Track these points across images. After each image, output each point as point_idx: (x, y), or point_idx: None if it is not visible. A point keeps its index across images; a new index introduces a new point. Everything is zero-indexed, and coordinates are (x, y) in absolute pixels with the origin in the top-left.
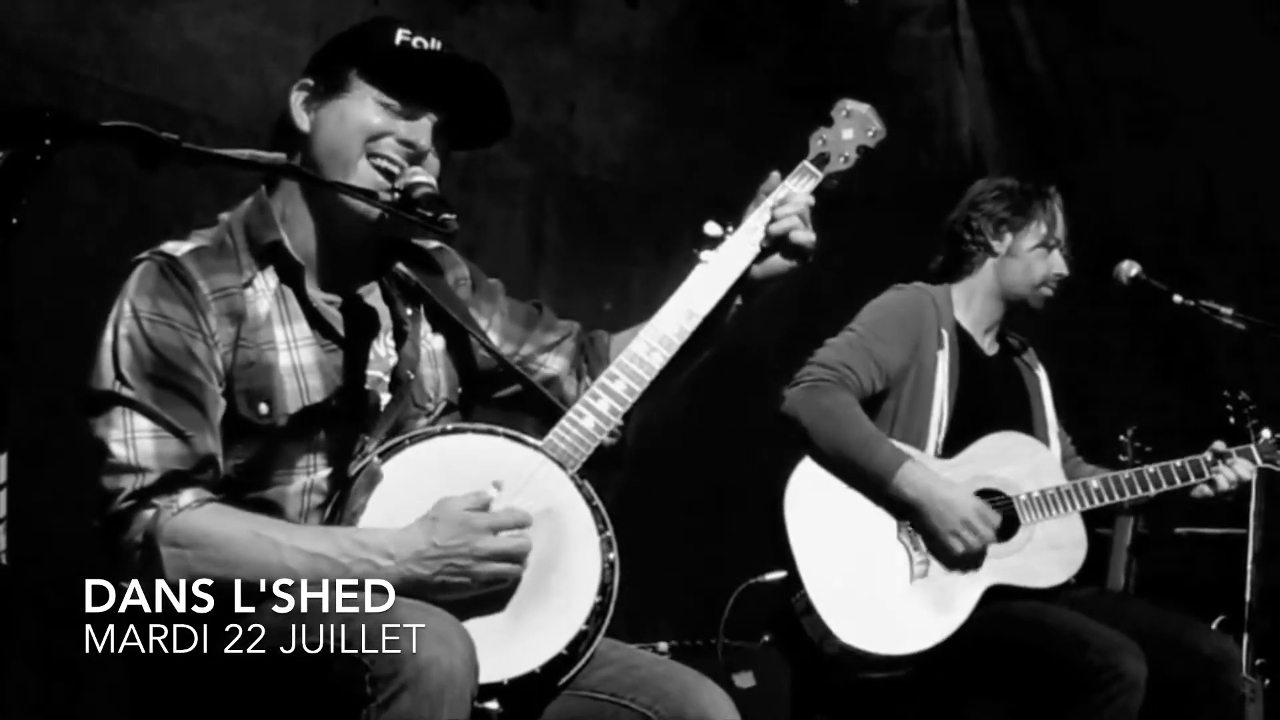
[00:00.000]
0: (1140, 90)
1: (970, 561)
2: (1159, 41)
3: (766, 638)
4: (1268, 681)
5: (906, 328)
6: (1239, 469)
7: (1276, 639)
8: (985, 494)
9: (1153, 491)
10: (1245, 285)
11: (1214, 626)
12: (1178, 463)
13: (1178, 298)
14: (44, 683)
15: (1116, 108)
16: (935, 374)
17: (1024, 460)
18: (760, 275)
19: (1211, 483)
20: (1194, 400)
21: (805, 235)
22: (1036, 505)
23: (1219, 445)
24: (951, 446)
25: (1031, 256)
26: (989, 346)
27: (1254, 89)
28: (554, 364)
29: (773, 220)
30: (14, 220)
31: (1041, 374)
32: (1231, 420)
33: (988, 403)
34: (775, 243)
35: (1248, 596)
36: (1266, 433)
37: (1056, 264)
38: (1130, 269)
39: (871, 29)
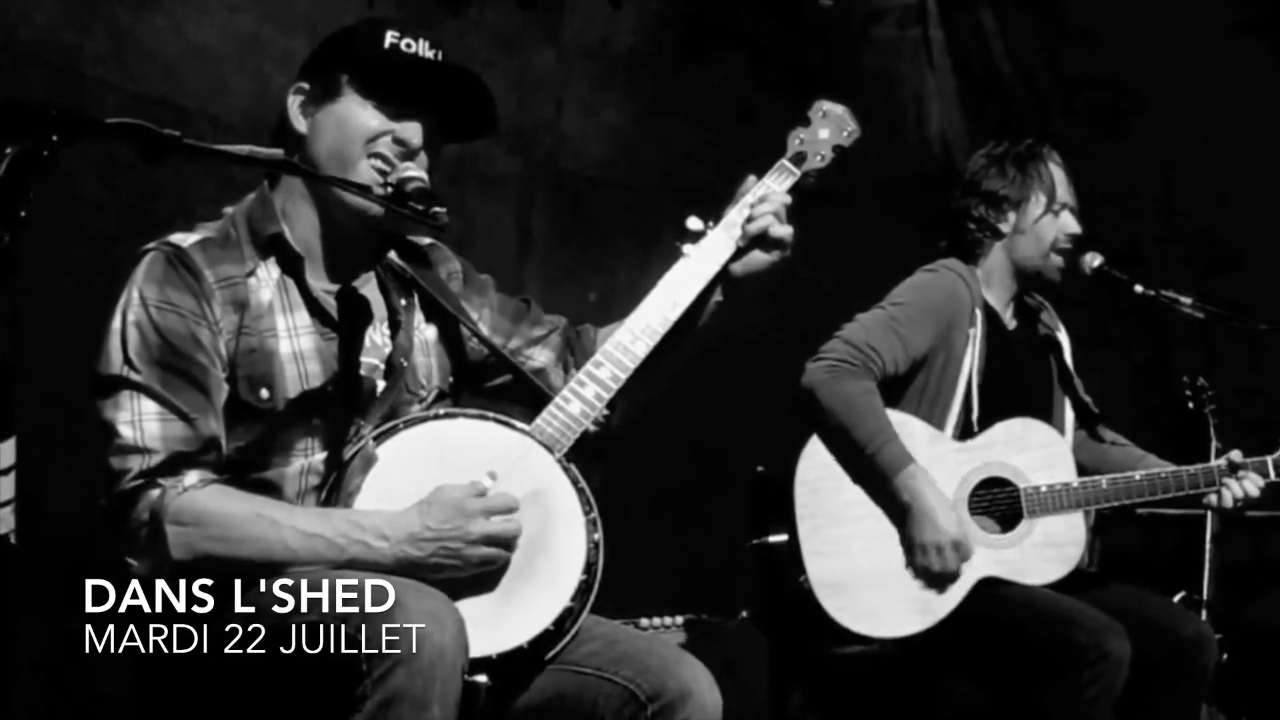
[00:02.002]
0: (1104, 88)
1: (930, 579)
2: (1121, 42)
3: (744, 613)
4: (1225, 655)
5: (938, 313)
6: (1248, 485)
7: (1233, 615)
8: (993, 482)
9: (1162, 497)
10: (1205, 275)
11: (1174, 602)
12: (1190, 469)
13: (1139, 287)
14: (52, 659)
15: (1081, 105)
16: (965, 354)
17: (1038, 449)
18: (741, 272)
19: (1219, 494)
20: (1156, 386)
21: (782, 230)
22: (1043, 500)
23: (1235, 455)
24: (972, 427)
25: (1039, 227)
26: (1009, 320)
27: (1214, 86)
28: (541, 357)
29: (750, 219)
30: (22, 213)
31: (1063, 336)
32: (1190, 405)
33: (1013, 382)
34: (754, 239)
35: (1206, 574)
36: None
37: (1067, 225)
38: (1093, 260)
39: (845, 29)
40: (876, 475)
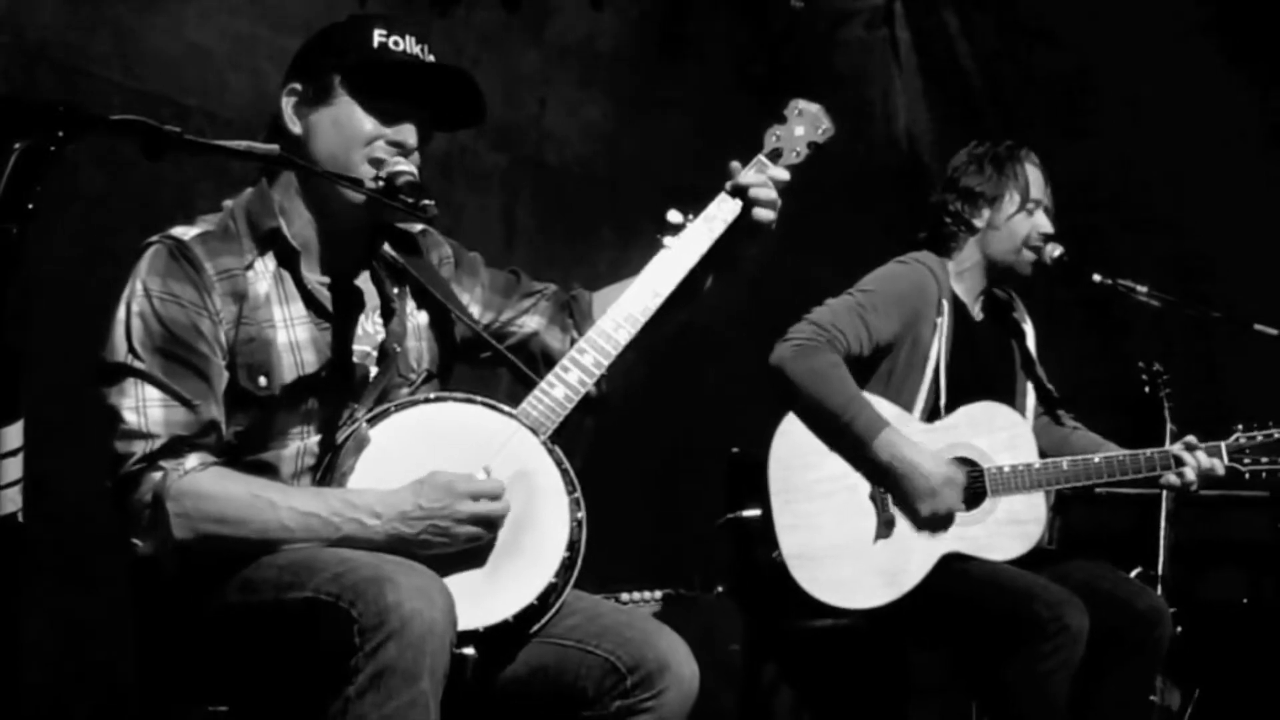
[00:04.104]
0: (1063, 86)
1: (936, 524)
2: (1080, 42)
3: (720, 589)
4: (1179, 628)
5: (904, 302)
6: (1202, 458)
7: (1187, 590)
8: (959, 462)
9: (1120, 478)
10: (1161, 264)
11: (1130, 577)
12: (1147, 452)
13: (1097, 276)
14: (58, 635)
15: (1041, 103)
16: (931, 342)
17: (1002, 432)
18: (725, 257)
19: (1182, 474)
20: (1113, 371)
21: (768, 213)
22: (1006, 480)
23: (1191, 440)
24: (938, 411)
25: (1012, 224)
26: (978, 313)
27: (1169, 84)
28: (531, 322)
29: (750, 186)
30: (30, 206)
31: (1028, 328)
32: (1146, 390)
33: (976, 370)
34: (746, 208)
35: (1161, 551)
36: (1239, 432)
37: (1040, 224)
38: (1053, 250)
39: (815, 30)
40: (854, 442)
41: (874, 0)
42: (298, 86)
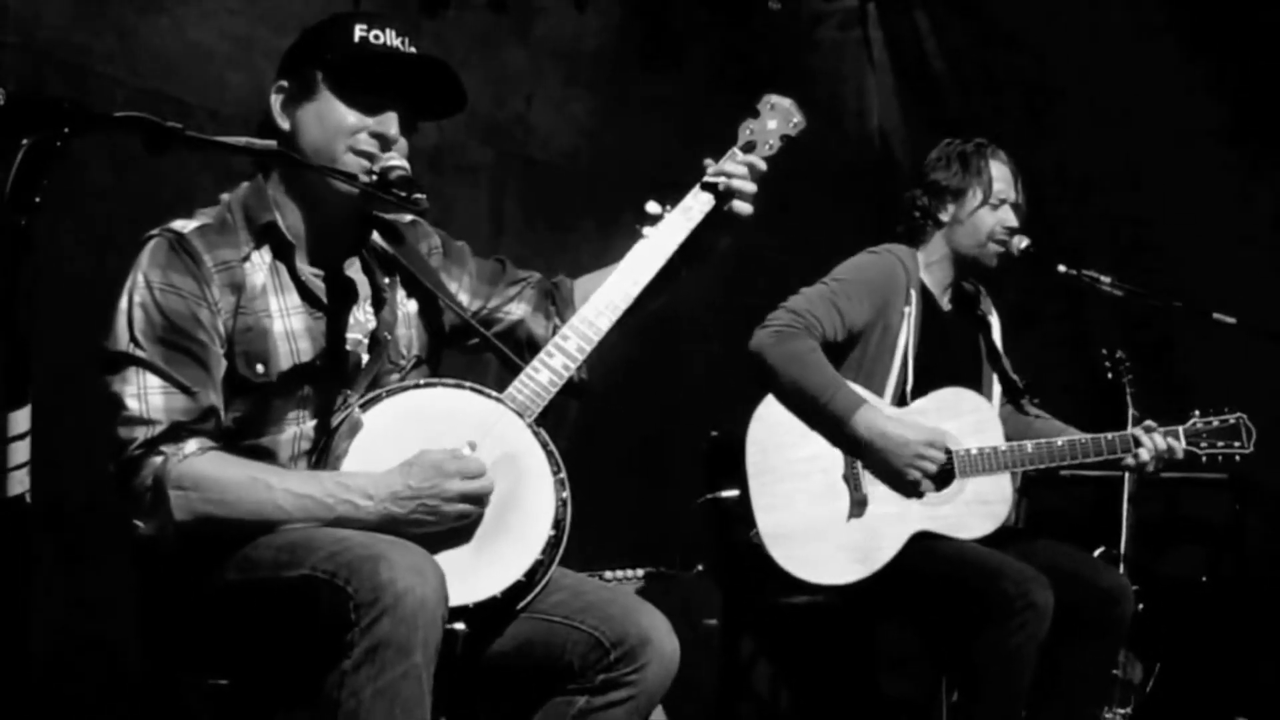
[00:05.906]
0: (1029, 86)
1: (916, 490)
2: (1046, 43)
3: (700, 566)
4: (1141, 605)
5: (875, 290)
6: (1159, 441)
7: (1148, 568)
8: None
9: (1082, 460)
10: (1123, 256)
11: (1094, 556)
12: (1108, 436)
13: (1062, 267)
14: (65, 611)
15: (1008, 101)
16: (900, 330)
17: (969, 416)
18: (700, 247)
19: (1137, 455)
20: (1078, 359)
21: (747, 185)
22: (974, 462)
23: (1149, 424)
24: (906, 398)
25: (976, 218)
26: (946, 304)
27: (1128, 83)
28: (517, 309)
29: (729, 174)
30: (36, 200)
31: (994, 320)
32: (1109, 375)
33: (943, 358)
34: (718, 206)
35: (1124, 531)
36: (1197, 417)
37: (1004, 218)
38: (1020, 242)
39: (792, 31)
40: (834, 421)
41: (848, 2)
42: (284, 84)
